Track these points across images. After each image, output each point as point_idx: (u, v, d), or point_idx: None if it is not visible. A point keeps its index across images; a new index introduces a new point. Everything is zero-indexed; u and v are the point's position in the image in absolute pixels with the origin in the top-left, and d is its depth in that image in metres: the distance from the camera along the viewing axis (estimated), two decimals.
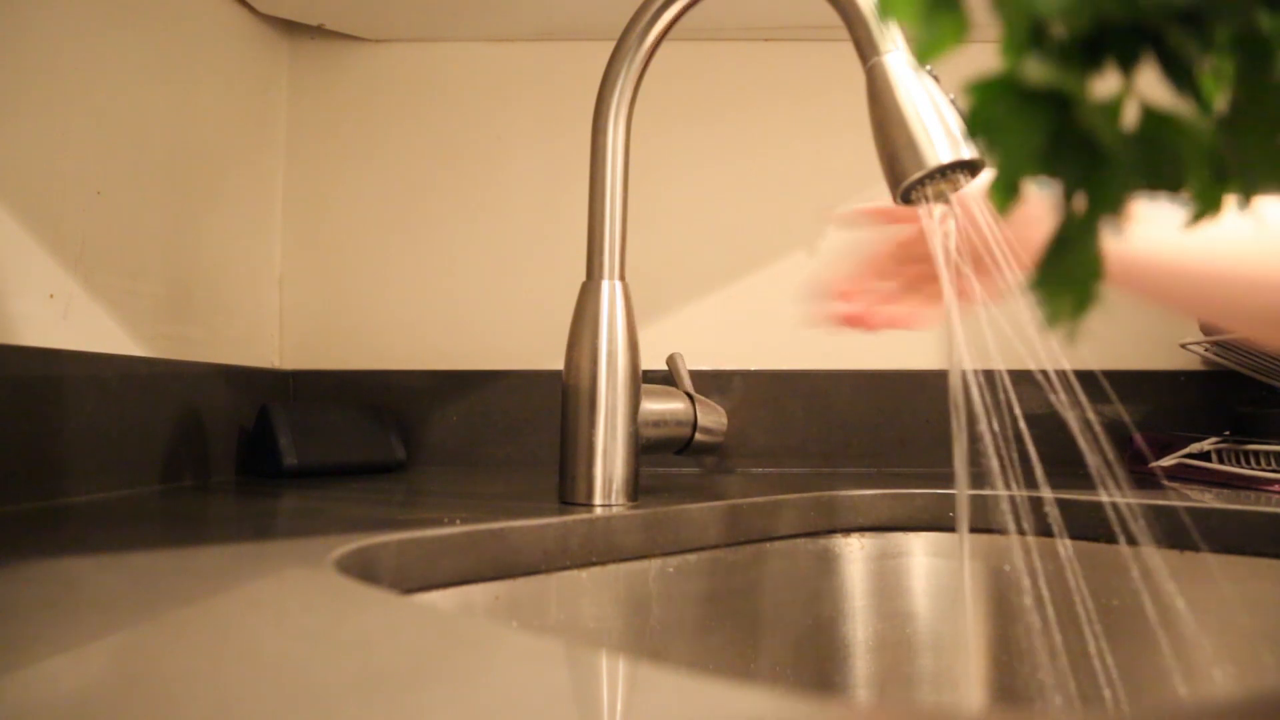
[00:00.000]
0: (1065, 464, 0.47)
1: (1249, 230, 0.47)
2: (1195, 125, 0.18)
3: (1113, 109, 0.18)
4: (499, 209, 0.98)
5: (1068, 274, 0.19)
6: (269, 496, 0.67)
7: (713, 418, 0.69)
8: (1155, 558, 0.56)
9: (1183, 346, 0.87)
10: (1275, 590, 0.55)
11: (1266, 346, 0.71)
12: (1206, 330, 0.83)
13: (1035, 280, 0.19)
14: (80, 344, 0.64)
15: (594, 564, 0.55)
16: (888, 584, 0.68)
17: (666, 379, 0.73)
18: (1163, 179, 0.18)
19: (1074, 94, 0.18)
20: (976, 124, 0.19)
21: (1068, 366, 0.50)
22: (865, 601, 0.67)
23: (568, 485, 0.61)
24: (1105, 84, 0.18)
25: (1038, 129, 0.18)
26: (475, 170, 0.98)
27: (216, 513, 0.61)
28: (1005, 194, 0.19)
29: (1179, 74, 0.18)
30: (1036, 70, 0.18)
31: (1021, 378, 0.48)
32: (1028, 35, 0.18)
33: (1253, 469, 0.73)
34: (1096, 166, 0.18)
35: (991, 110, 0.18)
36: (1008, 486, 0.47)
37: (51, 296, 0.62)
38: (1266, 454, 0.73)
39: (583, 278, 0.62)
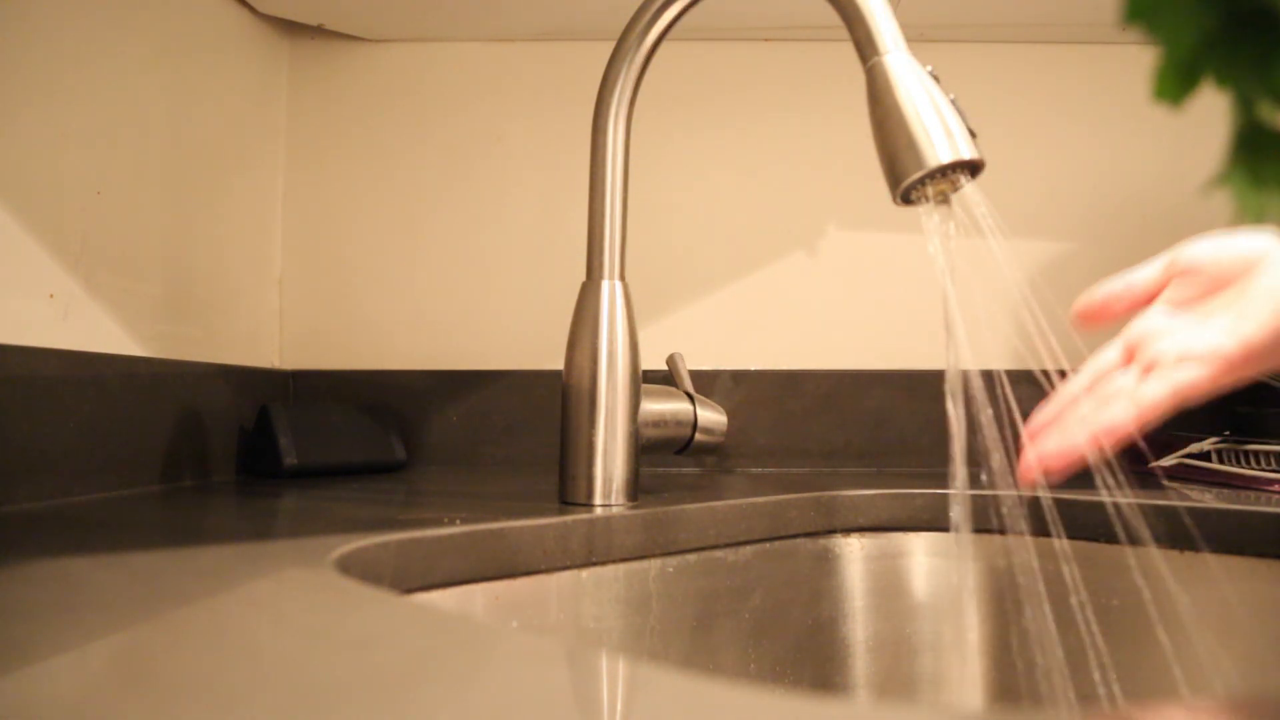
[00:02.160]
0: None
1: None
2: None
3: None
4: (499, 209, 0.98)
5: (1260, 172, 0.17)
6: (269, 496, 0.67)
7: (713, 418, 0.69)
8: (1155, 558, 0.56)
9: None
10: (1275, 590, 0.55)
11: None
12: None
13: (1224, 176, 0.18)
14: (80, 344, 0.64)
15: (594, 564, 0.55)
16: (888, 584, 0.68)
17: (666, 379, 0.73)
18: None
19: None
20: (1136, 5, 0.16)
21: (1067, 366, 0.50)
22: (865, 601, 0.67)
23: (568, 485, 0.61)
24: None
25: (1210, 9, 0.16)
26: (475, 170, 0.98)
27: (216, 512, 0.61)
28: (1174, 84, 0.17)
29: None
30: None
31: (1021, 378, 0.48)
32: None
33: (1253, 469, 0.73)
34: (1276, 51, 0.16)
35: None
36: (1008, 486, 0.47)
37: (51, 296, 0.62)
38: (1266, 454, 0.73)
39: (583, 278, 0.62)
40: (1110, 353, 0.49)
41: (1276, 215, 0.18)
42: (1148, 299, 0.51)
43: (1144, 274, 0.51)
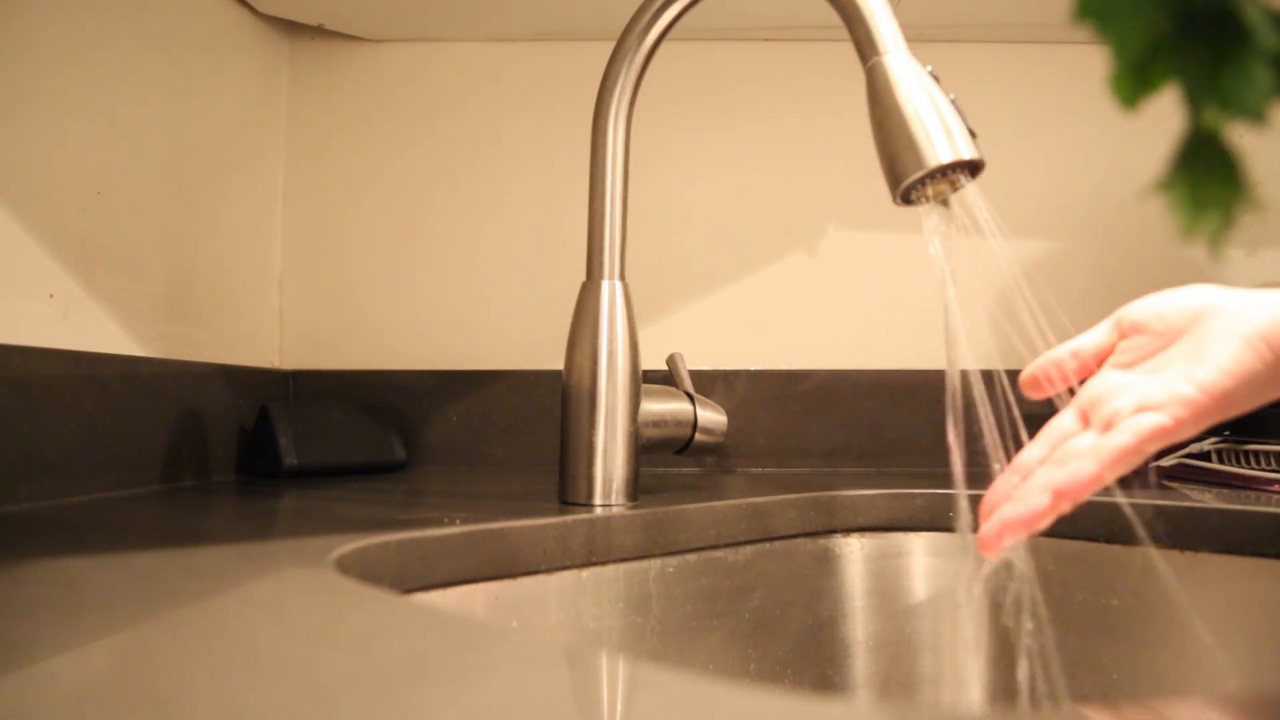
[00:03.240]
0: None
1: None
2: None
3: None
4: (499, 209, 0.98)
5: (1204, 182, 0.17)
6: (269, 496, 0.67)
7: (713, 418, 0.69)
8: (1155, 558, 0.56)
9: None
10: (1275, 590, 0.55)
11: None
12: None
13: (1164, 185, 0.17)
14: (80, 344, 0.64)
15: (594, 564, 0.55)
16: (888, 584, 0.68)
17: (666, 379, 0.73)
18: None
19: None
20: (1086, 4, 0.16)
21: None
22: (865, 601, 0.67)
23: (568, 485, 0.61)
24: None
25: (1162, 8, 0.16)
26: (475, 170, 0.98)
27: (216, 513, 0.61)
28: (1129, 85, 0.16)
29: None
30: None
31: None
32: None
33: (1253, 469, 0.73)
34: (1231, 56, 0.16)
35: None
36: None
37: (51, 296, 0.62)
38: (1266, 454, 0.73)
39: (583, 278, 0.62)
40: (1064, 419, 0.47)
41: (1212, 227, 0.18)
42: (1096, 363, 0.49)
43: (1090, 338, 0.49)
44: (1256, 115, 0.17)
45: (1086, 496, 0.42)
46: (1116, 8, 0.16)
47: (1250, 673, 0.54)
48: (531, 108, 0.99)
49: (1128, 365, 0.47)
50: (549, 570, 0.52)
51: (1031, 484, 0.44)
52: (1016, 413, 0.46)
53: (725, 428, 0.70)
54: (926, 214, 0.50)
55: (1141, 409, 0.43)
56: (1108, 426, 0.44)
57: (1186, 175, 0.17)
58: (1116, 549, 0.60)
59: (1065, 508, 0.42)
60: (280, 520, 0.57)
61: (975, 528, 0.44)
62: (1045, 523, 0.42)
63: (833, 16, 0.54)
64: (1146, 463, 0.80)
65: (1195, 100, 0.17)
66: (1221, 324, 0.44)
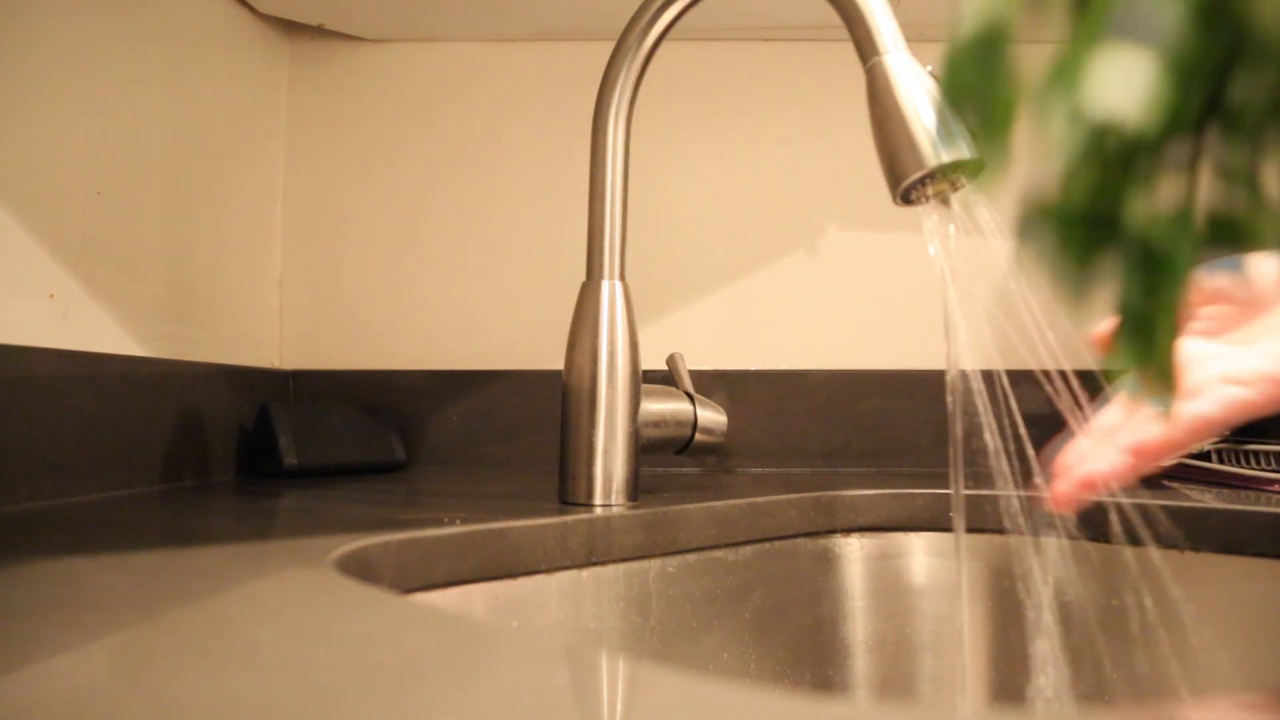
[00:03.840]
0: None
1: None
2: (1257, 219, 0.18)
3: (1177, 218, 0.18)
4: (499, 209, 0.98)
5: (1148, 356, 0.19)
6: (269, 496, 0.67)
7: (713, 418, 0.69)
8: (1155, 558, 0.56)
9: None
10: (1275, 590, 0.55)
11: None
12: None
13: (1115, 360, 0.20)
14: (80, 344, 0.64)
15: (594, 564, 0.55)
16: (888, 584, 0.68)
17: (666, 379, 0.73)
18: (1231, 243, 0.18)
19: (1128, 218, 0.18)
20: (1026, 230, 0.19)
21: (1068, 366, 0.50)
22: (865, 601, 0.67)
23: (568, 485, 0.61)
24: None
25: (1090, 243, 0.18)
26: (475, 170, 0.98)
27: (216, 513, 0.61)
28: (1072, 301, 0.19)
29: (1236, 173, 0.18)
30: (1080, 195, 0.18)
31: (1021, 377, 0.48)
32: (1083, 145, 0.18)
33: (1253, 469, 0.73)
34: (1154, 266, 0.18)
35: (1038, 237, 0.19)
36: (1008, 486, 0.47)
37: (51, 296, 0.62)
38: (1266, 454, 0.73)
39: (583, 278, 0.62)
40: None
41: (1164, 399, 0.20)
42: None
43: None
44: (1177, 304, 0.19)
45: (1166, 459, 0.42)
46: (1050, 237, 0.19)
47: (1250, 673, 0.54)
48: (531, 108, 0.99)
49: (1210, 335, 0.46)
50: (549, 570, 0.52)
51: (1112, 444, 0.43)
52: (1017, 412, 0.46)
53: (725, 428, 0.70)
54: (926, 214, 0.50)
55: (1228, 381, 0.42)
56: (1191, 395, 0.43)
57: (1130, 351, 0.20)
58: (1116, 549, 0.60)
59: (1144, 468, 0.42)
60: (280, 520, 0.57)
61: (970, 529, 0.44)
62: (1124, 482, 0.42)
63: (833, 16, 0.54)
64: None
65: (1129, 302, 0.19)
66: None
